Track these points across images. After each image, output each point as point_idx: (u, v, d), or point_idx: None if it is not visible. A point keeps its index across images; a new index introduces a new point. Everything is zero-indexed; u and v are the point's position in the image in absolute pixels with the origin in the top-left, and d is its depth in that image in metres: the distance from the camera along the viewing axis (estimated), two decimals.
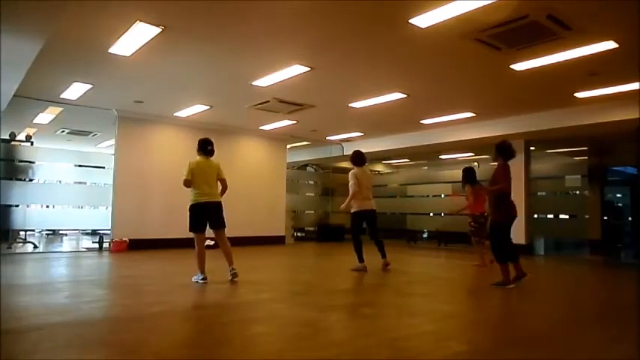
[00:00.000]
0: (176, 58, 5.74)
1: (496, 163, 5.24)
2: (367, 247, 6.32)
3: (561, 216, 10.96)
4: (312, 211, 13.61)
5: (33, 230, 10.90)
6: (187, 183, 5.00)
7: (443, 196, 12.56)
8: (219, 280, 5.22)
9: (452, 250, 10.49)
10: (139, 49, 5.25)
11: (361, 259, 6.20)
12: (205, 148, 5.17)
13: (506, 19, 4.29)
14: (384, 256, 6.31)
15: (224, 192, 5.20)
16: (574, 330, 3.55)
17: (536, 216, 9.86)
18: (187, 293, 4.69)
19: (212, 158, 5.20)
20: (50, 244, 10.06)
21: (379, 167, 16.12)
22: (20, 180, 8.42)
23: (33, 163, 8.53)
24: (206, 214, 5.03)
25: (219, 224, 5.12)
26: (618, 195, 14.53)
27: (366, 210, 6.23)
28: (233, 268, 5.12)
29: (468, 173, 7.06)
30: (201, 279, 5.04)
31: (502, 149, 5.17)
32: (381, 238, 6.43)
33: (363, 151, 6.60)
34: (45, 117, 9.39)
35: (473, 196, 6.92)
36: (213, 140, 5.26)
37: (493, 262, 6.56)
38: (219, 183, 5.19)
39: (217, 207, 5.07)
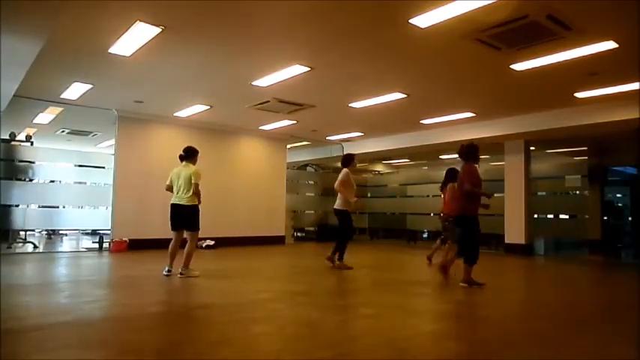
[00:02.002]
0: (176, 58, 5.74)
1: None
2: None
3: (561, 216, 10.96)
4: (312, 211, 13.60)
5: (33, 230, 10.90)
6: (167, 188, 5.58)
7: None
8: (219, 280, 5.23)
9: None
10: (139, 49, 5.25)
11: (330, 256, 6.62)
12: (180, 155, 5.68)
13: (506, 19, 4.29)
14: (333, 254, 6.56)
15: (196, 196, 5.44)
16: (574, 330, 3.55)
17: (536, 216, 9.86)
18: (187, 293, 4.69)
19: (195, 164, 5.62)
20: (50, 244, 10.06)
21: (379, 167, 16.13)
22: (20, 180, 8.42)
23: (33, 163, 8.52)
24: (174, 215, 5.48)
25: (185, 225, 5.48)
26: (618, 195, 14.53)
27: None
28: (182, 272, 5.40)
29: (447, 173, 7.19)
30: (166, 271, 5.46)
31: (470, 151, 5.26)
32: (338, 237, 6.66)
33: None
34: (45, 117, 9.40)
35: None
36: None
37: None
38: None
39: (185, 209, 5.43)
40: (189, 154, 5.65)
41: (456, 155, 5.48)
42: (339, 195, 6.61)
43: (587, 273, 7.45)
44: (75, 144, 12.40)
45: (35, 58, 5.09)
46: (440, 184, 7.22)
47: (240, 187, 10.21)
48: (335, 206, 6.64)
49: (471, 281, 5.06)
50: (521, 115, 8.39)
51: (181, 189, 5.43)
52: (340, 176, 6.65)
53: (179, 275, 5.34)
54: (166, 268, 5.45)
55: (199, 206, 5.50)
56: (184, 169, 5.51)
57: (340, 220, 6.62)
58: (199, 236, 5.64)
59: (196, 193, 5.43)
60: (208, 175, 9.52)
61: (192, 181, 5.39)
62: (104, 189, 9.05)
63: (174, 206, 5.47)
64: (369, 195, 14.50)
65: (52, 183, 8.93)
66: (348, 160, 6.88)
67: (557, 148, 11.21)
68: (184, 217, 5.43)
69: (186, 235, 5.51)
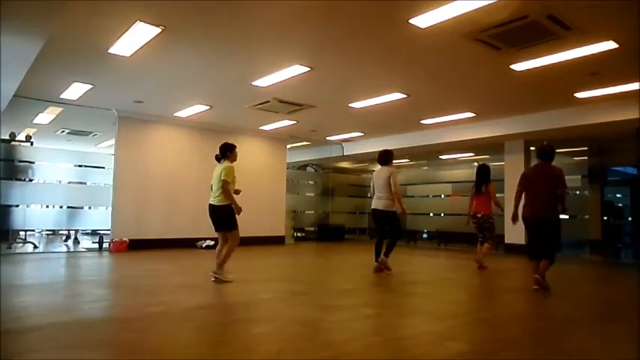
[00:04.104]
0: (176, 58, 5.74)
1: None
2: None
3: (561, 216, 10.94)
4: (312, 211, 13.61)
5: (33, 230, 10.90)
6: (210, 187, 5.33)
7: (443, 196, 12.57)
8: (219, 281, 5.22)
9: (452, 250, 10.49)
10: (139, 49, 5.25)
11: (375, 259, 6.16)
12: (216, 155, 5.43)
13: (506, 19, 4.29)
14: (385, 253, 6.12)
15: (223, 194, 5.10)
16: (574, 330, 3.55)
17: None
18: (187, 293, 4.69)
19: (233, 162, 5.42)
20: (50, 244, 10.05)
21: (379, 167, 16.12)
22: (20, 180, 8.42)
23: (33, 163, 8.52)
24: (210, 216, 5.26)
25: (221, 227, 5.25)
26: (618, 195, 14.53)
27: (373, 209, 6.25)
28: (216, 273, 5.11)
29: (489, 171, 6.97)
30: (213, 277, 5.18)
31: (548, 153, 5.16)
32: (394, 239, 6.20)
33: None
34: (45, 117, 9.39)
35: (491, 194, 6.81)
36: (219, 143, 5.51)
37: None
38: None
39: (214, 210, 5.19)
40: (221, 152, 5.37)
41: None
42: (384, 196, 6.14)
43: (587, 273, 7.44)
44: (75, 144, 12.40)
45: (35, 58, 5.08)
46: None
47: (240, 187, 10.19)
48: (383, 207, 6.11)
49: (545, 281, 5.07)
50: (521, 115, 8.39)
51: (214, 188, 5.20)
52: (392, 178, 6.14)
53: (211, 276, 5.08)
54: (212, 274, 5.16)
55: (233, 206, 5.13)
56: (218, 167, 5.27)
57: (393, 221, 6.20)
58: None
59: (224, 191, 5.06)
60: (209, 175, 9.51)
61: (221, 178, 5.07)
62: (104, 189, 9.06)
63: (209, 207, 5.23)
64: (369, 195, 14.49)
65: (52, 183, 8.92)
66: (390, 156, 6.47)
67: (557, 148, 11.14)
68: (218, 218, 5.18)
69: (228, 236, 5.22)
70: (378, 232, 6.32)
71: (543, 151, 5.21)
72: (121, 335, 3.13)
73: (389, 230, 6.24)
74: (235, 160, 5.40)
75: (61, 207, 9.23)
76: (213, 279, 5.09)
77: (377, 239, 6.28)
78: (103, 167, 9.22)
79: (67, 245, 9.42)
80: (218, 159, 5.39)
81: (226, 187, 5.07)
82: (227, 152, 5.35)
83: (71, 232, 10.31)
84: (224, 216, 5.14)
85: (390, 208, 6.12)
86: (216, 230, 5.29)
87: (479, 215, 6.81)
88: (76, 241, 10.05)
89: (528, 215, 5.12)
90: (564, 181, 5.03)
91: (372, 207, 6.27)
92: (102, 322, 3.49)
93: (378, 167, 6.58)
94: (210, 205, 5.22)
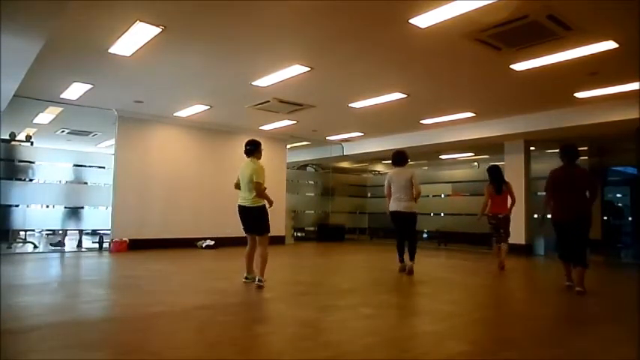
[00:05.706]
0: (176, 58, 5.74)
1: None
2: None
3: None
4: (312, 211, 13.61)
5: (33, 230, 10.88)
6: (235, 186, 5.13)
7: (443, 196, 12.57)
8: (219, 280, 5.22)
9: (452, 249, 10.49)
10: (139, 49, 5.25)
11: (399, 259, 6.19)
12: (245, 148, 5.17)
13: (506, 19, 4.29)
14: (410, 258, 6.10)
15: (258, 196, 4.92)
16: (574, 330, 3.55)
17: (536, 216, 9.85)
18: (187, 293, 4.69)
19: (258, 159, 5.12)
20: (50, 244, 10.04)
21: (379, 167, 16.14)
22: (20, 180, 8.42)
23: (33, 163, 8.52)
24: (242, 217, 5.05)
25: (251, 229, 5.10)
26: (618, 195, 14.53)
27: (393, 211, 6.14)
28: (259, 279, 4.94)
29: (500, 171, 6.85)
30: (244, 278, 5.15)
31: (571, 153, 5.04)
32: (413, 241, 6.19)
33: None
34: (45, 117, 9.40)
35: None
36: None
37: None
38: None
39: (248, 211, 4.98)
40: (254, 148, 5.10)
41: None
42: (405, 197, 6.01)
43: (587, 273, 7.44)
44: (75, 144, 12.40)
45: (35, 58, 5.08)
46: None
47: None
48: (406, 209, 6.01)
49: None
50: (521, 115, 8.39)
51: (245, 189, 4.96)
52: (414, 180, 6.01)
53: (257, 285, 4.87)
54: (244, 275, 5.14)
55: (267, 207, 5.03)
56: (247, 166, 4.98)
57: (413, 222, 6.15)
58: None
59: (259, 194, 4.90)
60: (208, 175, 9.54)
61: (254, 180, 4.82)
62: (104, 189, 9.05)
63: (240, 208, 5.00)
64: (369, 195, 14.52)
65: (52, 183, 8.90)
66: (407, 157, 6.35)
67: (557, 148, 11.18)
68: (251, 219, 4.99)
69: (257, 239, 5.07)
70: (400, 232, 6.26)
71: (566, 152, 5.07)
72: (121, 335, 3.13)
73: (406, 232, 6.22)
74: (260, 157, 5.16)
75: (66, 207, 9.14)
76: (257, 287, 4.88)
77: (398, 239, 6.27)
78: (103, 167, 9.21)
79: (78, 247, 9.32)
80: (248, 153, 5.14)
81: (260, 188, 4.89)
82: (259, 149, 5.15)
83: (76, 233, 10.26)
84: (258, 218, 4.99)
85: (411, 209, 6.08)
86: (248, 232, 5.14)
87: (500, 216, 6.64)
88: (78, 242, 10.03)
89: (560, 219, 5.03)
90: (593, 182, 4.95)
91: (392, 209, 6.14)
92: (102, 322, 3.49)
93: (393, 169, 6.37)
94: (241, 206, 5.00)
